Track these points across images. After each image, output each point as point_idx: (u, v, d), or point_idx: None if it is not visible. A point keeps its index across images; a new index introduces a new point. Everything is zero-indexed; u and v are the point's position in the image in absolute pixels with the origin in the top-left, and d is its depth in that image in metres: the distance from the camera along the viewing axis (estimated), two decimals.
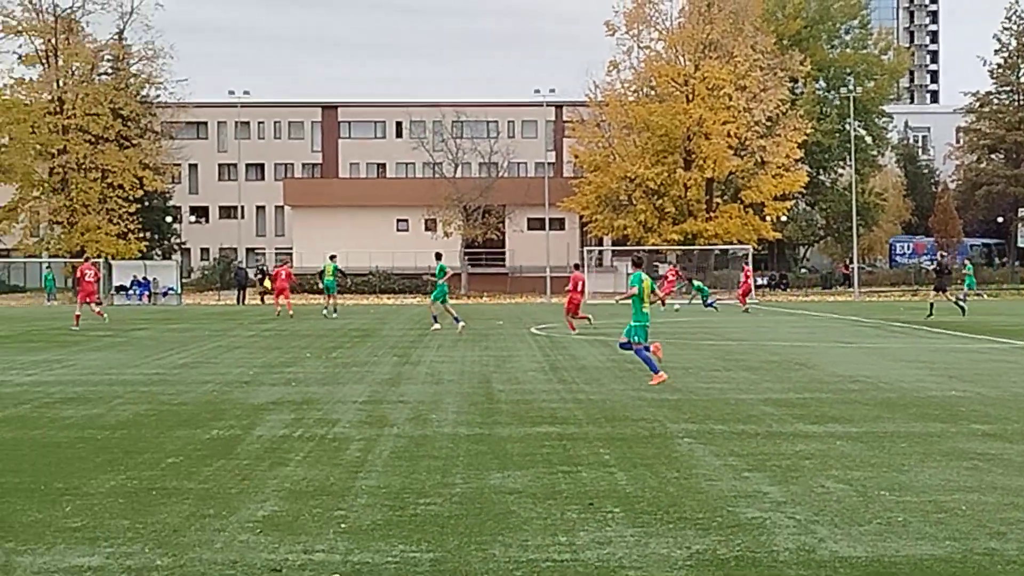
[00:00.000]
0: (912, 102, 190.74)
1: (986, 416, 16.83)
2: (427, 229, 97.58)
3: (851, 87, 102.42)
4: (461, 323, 38.14)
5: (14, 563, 8.88)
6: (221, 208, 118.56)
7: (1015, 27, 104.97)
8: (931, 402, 18.50)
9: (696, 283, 60.39)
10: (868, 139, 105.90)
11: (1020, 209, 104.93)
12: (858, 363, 26.19)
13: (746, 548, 9.31)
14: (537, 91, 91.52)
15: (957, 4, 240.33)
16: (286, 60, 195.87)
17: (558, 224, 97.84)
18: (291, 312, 51.28)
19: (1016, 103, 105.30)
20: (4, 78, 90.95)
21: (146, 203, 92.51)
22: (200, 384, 21.96)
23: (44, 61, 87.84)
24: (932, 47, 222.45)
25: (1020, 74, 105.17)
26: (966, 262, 79.26)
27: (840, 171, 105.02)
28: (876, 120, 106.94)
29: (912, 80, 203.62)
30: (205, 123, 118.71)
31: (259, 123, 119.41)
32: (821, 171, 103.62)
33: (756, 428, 15.78)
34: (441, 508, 10.74)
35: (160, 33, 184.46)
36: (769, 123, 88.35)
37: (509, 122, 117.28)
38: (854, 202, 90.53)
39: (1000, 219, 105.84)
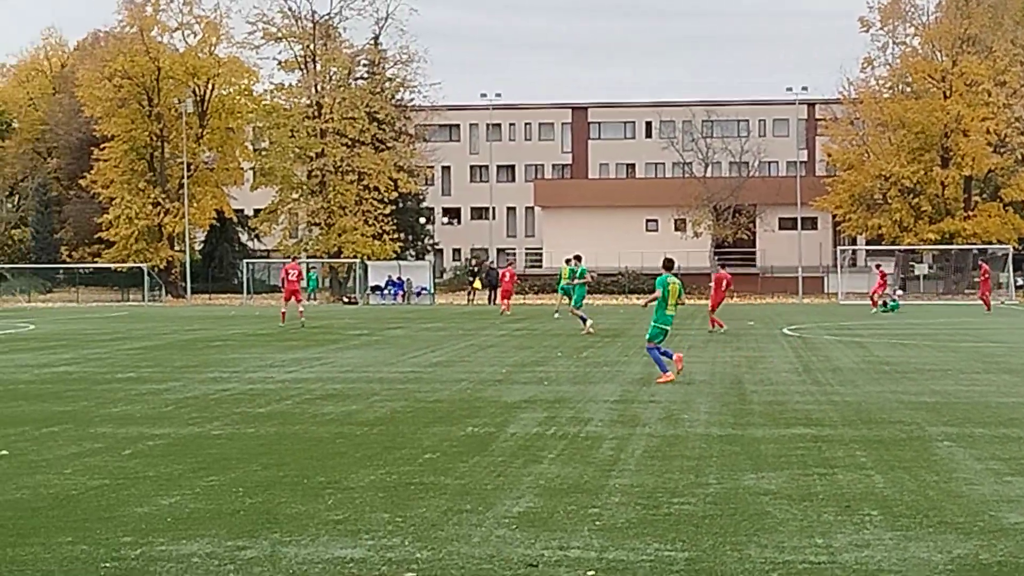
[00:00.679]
0: None
1: None
2: (676, 229, 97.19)
3: None
4: (589, 322, 38.08)
5: (279, 554, 9.15)
6: (473, 209, 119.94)
7: None
8: None
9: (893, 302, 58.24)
10: None
11: None
12: None
13: (1009, 554, 9.05)
14: (789, 89, 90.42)
15: None
16: (537, 62, 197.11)
17: (810, 223, 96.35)
18: (509, 312, 53.05)
19: None
20: (264, 84, 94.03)
21: (400, 205, 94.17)
22: (454, 382, 22.31)
23: (303, 67, 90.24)
24: None
25: None
26: None
27: None
28: None
29: None
30: (457, 125, 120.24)
31: (510, 125, 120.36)
32: None
33: (1019, 432, 15.33)
34: (695, 508, 10.71)
35: (414, 38, 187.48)
36: None
37: (760, 120, 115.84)
38: None
39: None
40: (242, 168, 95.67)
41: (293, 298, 44.09)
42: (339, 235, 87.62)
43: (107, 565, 8.82)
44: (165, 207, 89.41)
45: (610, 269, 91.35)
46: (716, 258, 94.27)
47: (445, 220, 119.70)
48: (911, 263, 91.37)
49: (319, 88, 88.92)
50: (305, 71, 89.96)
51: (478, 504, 10.91)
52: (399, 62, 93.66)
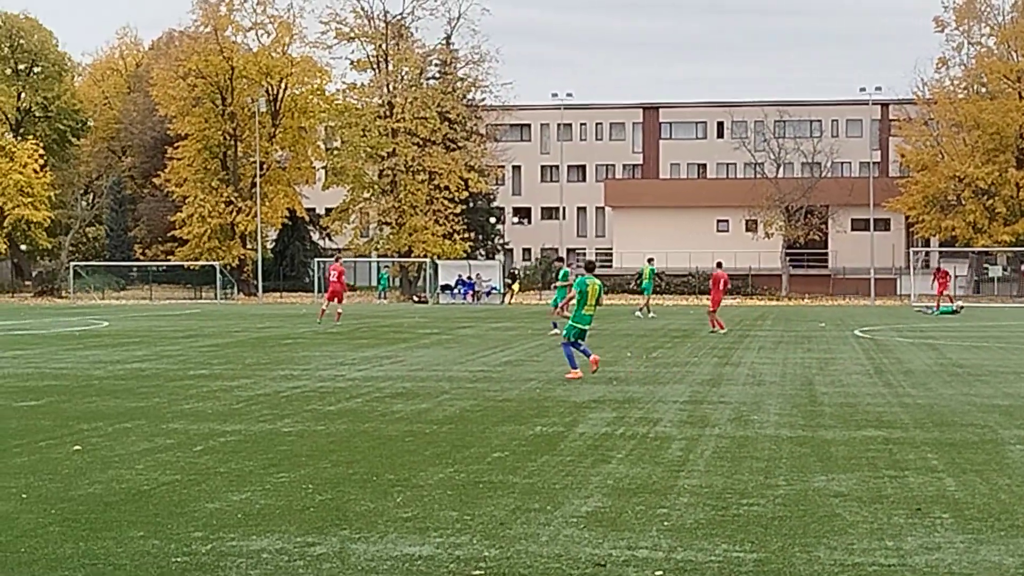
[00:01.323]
0: None
1: None
2: (748, 230, 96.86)
3: None
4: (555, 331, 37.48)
5: (348, 550, 9.19)
6: (543, 209, 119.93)
7: None
8: None
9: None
10: None
11: None
12: None
13: None
14: (862, 89, 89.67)
15: None
16: (608, 62, 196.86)
17: (883, 225, 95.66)
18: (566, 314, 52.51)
19: None
20: (337, 83, 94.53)
21: (471, 204, 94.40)
22: (524, 381, 22.34)
23: (375, 66, 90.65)
24: None
25: None
26: None
27: None
28: None
29: None
30: (528, 125, 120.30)
31: (581, 124, 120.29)
32: None
33: None
34: (764, 509, 10.67)
35: (486, 37, 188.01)
36: None
37: (833, 121, 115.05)
38: None
39: None
40: (314, 167, 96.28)
41: (336, 298, 44.60)
42: (410, 234, 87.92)
43: (178, 560, 8.90)
44: (238, 206, 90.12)
45: (680, 270, 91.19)
46: (788, 259, 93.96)
47: (515, 220, 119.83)
48: (985, 265, 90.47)
49: (391, 88, 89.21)
50: (377, 71, 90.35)
51: (546, 503, 10.92)
52: (471, 62, 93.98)
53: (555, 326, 37.61)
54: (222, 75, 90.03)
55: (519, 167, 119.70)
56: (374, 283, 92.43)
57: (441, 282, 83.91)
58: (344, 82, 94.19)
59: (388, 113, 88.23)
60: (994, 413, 17.39)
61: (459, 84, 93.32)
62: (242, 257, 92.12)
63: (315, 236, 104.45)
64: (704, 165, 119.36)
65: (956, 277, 73.03)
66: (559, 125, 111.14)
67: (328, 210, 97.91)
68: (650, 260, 53.25)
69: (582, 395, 19.81)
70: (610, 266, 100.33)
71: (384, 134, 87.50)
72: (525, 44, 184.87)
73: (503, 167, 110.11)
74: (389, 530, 9.85)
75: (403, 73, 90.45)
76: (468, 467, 12.86)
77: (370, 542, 9.44)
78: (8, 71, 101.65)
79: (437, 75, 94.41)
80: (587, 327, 23.37)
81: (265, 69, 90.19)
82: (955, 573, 8.51)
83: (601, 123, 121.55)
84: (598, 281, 23.60)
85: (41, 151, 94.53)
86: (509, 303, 77.50)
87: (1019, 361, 27.20)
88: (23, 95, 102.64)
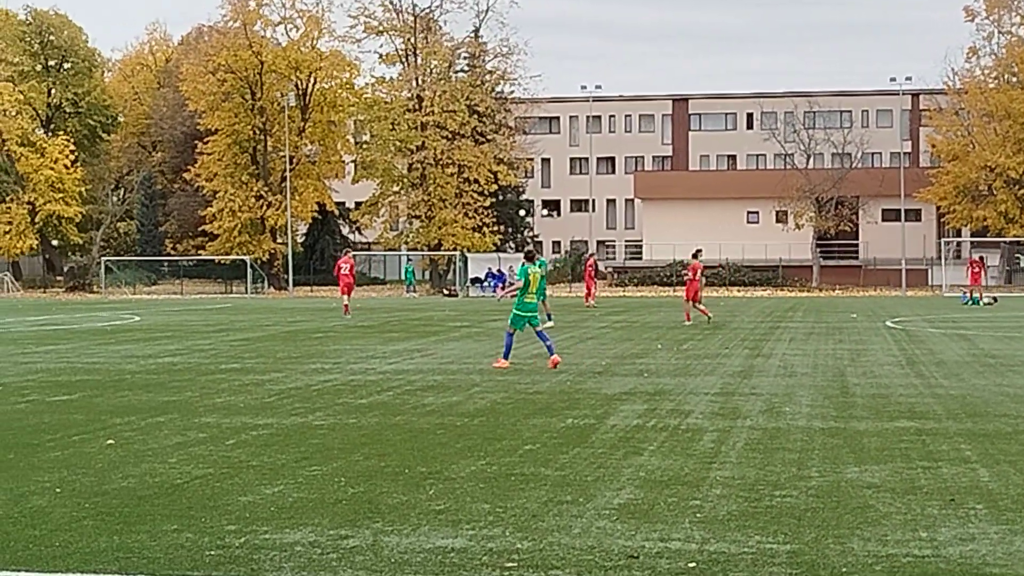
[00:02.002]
0: None
1: None
2: (778, 221, 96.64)
3: None
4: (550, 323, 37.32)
5: (381, 543, 9.21)
6: (572, 201, 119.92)
7: None
8: None
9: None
10: None
11: None
12: None
13: None
14: (893, 79, 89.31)
15: None
16: (637, 53, 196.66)
17: (914, 215, 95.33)
18: (593, 303, 54.56)
19: None
20: (366, 77, 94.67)
21: (500, 197, 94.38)
22: (554, 374, 22.34)
23: (403, 60, 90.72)
24: None
25: None
26: None
27: None
28: None
29: None
30: (557, 118, 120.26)
31: (610, 117, 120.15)
32: None
33: None
34: (797, 500, 10.65)
35: (515, 30, 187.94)
36: None
37: (863, 111, 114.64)
38: None
39: None
40: (343, 161, 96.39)
41: (348, 291, 45.44)
42: (439, 228, 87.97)
43: (211, 553, 8.94)
44: (267, 200, 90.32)
45: (711, 261, 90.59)
46: (818, 250, 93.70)
47: (545, 212, 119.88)
48: (1017, 255, 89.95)
49: (420, 81, 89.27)
50: (406, 64, 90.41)
51: (578, 495, 10.92)
52: (499, 55, 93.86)
53: (549, 318, 37.67)
54: (251, 70, 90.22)
55: (548, 160, 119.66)
56: (402, 277, 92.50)
57: (471, 275, 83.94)
58: (373, 76, 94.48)
59: (417, 107, 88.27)
60: None
61: (488, 77, 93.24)
62: (272, 251, 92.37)
63: (345, 230, 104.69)
64: (734, 156, 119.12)
65: (988, 268, 72.49)
66: (588, 117, 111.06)
67: (358, 204, 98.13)
68: (697, 251, 53.21)
69: (613, 387, 19.81)
70: (640, 258, 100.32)
71: (413, 128, 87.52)
72: (554, 36, 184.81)
73: (532, 160, 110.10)
74: (422, 523, 9.87)
75: (432, 66, 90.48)
76: (500, 459, 12.88)
77: (403, 534, 9.46)
78: (38, 67, 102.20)
79: (466, 68, 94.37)
80: (531, 314, 24.05)
81: (294, 63, 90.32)
82: (989, 564, 8.48)
83: (630, 115, 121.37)
84: (539, 270, 24.50)
85: (72, 147, 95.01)
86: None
87: None
88: (53, 91, 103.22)
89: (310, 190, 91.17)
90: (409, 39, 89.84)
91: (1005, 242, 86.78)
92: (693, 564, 8.52)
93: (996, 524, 9.69)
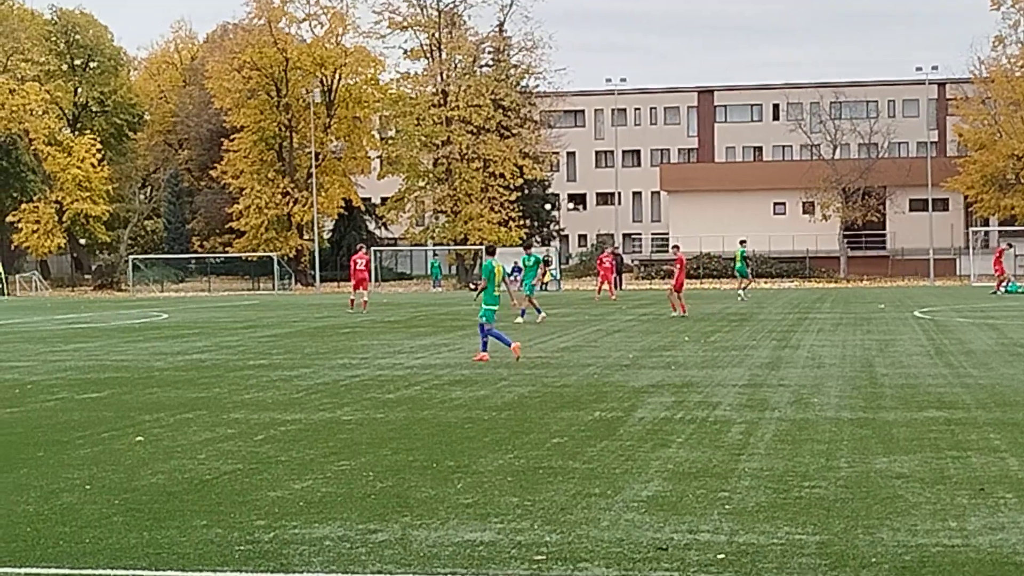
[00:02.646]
0: None
1: None
2: (805, 212, 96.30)
3: None
4: (541, 317, 37.31)
5: (410, 537, 9.22)
6: (598, 195, 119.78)
7: None
8: None
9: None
10: None
11: None
12: None
13: None
14: (919, 69, 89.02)
15: None
16: (662, 45, 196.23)
17: (941, 205, 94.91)
18: (613, 296, 55.26)
19: None
20: (391, 72, 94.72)
21: (526, 191, 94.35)
22: (582, 367, 22.33)
23: (428, 55, 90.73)
24: None
25: None
26: None
27: None
28: None
29: None
30: (582, 111, 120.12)
31: (635, 109, 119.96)
32: None
33: None
34: (826, 491, 10.62)
35: (539, 23, 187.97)
36: None
37: (889, 101, 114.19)
38: None
39: None
40: (369, 157, 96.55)
41: (361, 287, 45.64)
42: (465, 222, 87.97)
43: (241, 548, 8.96)
44: (294, 196, 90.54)
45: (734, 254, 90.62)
46: (845, 241, 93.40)
47: (570, 206, 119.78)
48: None
49: (444, 76, 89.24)
50: (431, 59, 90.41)
51: (607, 488, 10.92)
52: (524, 49, 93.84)
53: (523, 314, 37.62)
54: (276, 67, 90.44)
55: (573, 153, 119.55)
56: (428, 272, 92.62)
57: None
58: (398, 71, 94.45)
59: (442, 101, 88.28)
60: None
61: (512, 71, 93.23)
62: (299, 247, 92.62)
63: (371, 225, 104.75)
64: (760, 148, 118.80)
65: (1016, 256, 72.26)
66: (613, 110, 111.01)
67: (383, 199, 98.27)
68: (742, 242, 53.91)
69: (641, 380, 19.79)
70: (666, 251, 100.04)
71: (438, 123, 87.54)
72: (578, 30, 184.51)
73: (557, 153, 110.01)
74: (450, 516, 9.88)
75: (456, 61, 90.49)
76: (528, 453, 12.88)
77: (431, 528, 9.47)
78: (64, 67, 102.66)
79: (490, 63, 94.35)
80: (497, 307, 24.43)
81: (319, 60, 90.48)
82: (1019, 553, 8.45)
83: (655, 107, 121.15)
84: (501, 264, 25.16)
85: (98, 146, 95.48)
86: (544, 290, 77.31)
87: None
88: (80, 90, 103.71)
89: (336, 186, 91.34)
90: (434, 34, 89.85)
91: None
92: (722, 556, 8.51)
93: None
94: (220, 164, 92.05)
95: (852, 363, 22.29)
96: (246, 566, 8.48)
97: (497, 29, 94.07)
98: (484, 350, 24.20)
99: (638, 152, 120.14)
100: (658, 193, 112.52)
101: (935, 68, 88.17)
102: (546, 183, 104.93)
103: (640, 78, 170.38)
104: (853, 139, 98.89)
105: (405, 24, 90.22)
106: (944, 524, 9.31)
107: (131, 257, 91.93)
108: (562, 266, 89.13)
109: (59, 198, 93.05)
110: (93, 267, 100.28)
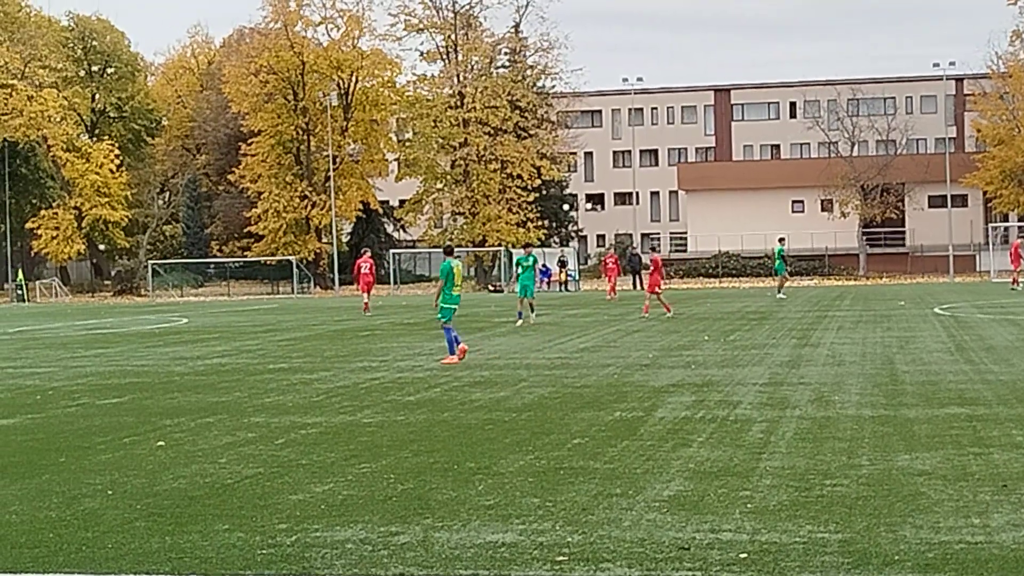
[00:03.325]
0: None
1: None
2: (823, 210, 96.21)
3: None
4: (521, 321, 37.06)
5: (432, 539, 9.22)
6: (616, 195, 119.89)
7: None
8: None
9: None
10: None
11: None
12: None
13: None
14: (936, 64, 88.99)
15: None
16: (678, 44, 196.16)
17: (960, 201, 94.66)
18: (615, 297, 56.27)
19: None
20: (407, 75, 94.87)
21: (543, 192, 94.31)
22: (601, 367, 22.32)
23: (444, 57, 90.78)
24: None
25: None
26: None
27: None
28: None
29: None
30: (599, 111, 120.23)
31: (652, 109, 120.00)
32: None
33: None
34: (848, 489, 10.59)
35: (555, 24, 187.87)
36: None
37: (907, 97, 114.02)
38: None
39: None
40: (386, 159, 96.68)
41: (369, 289, 47.49)
42: (483, 224, 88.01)
43: (263, 552, 8.97)
44: (312, 200, 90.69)
45: (756, 252, 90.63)
46: (864, 238, 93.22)
47: (588, 206, 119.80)
48: None
49: (461, 78, 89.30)
50: (447, 61, 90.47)
51: (628, 488, 10.90)
52: (540, 49, 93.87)
53: (520, 316, 37.44)
54: (293, 70, 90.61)
55: (591, 153, 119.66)
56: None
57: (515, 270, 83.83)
58: (414, 73, 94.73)
59: (459, 103, 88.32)
60: None
61: (529, 72, 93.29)
62: (318, 251, 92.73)
63: (389, 228, 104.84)
64: (777, 146, 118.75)
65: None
66: (630, 110, 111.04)
67: (402, 202, 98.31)
68: (780, 240, 53.82)
69: (661, 380, 19.77)
70: (685, 250, 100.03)
71: (455, 124, 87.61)
72: (594, 29, 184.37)
73: (575, 154, 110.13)
74: (472, 518, 9.88)
75: (473, 63, 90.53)
76: (548, 454, 12.87)
77: (453, 530, 9.47)
78: (82, 73, 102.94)
79: (507, 64, 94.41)
80: (457, 306, 24.79)
81: (336, 63, 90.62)
82: None
83: (672, 107, 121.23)
84: (459, 263, 25.37)
85: (116, 151, 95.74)
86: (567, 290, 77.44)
87: None
88: (97, 96, 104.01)
89: (354, 189, 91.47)
90: (450, 36, 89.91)
91: None
92: (744, 555, 8.49)
93: None
94: (238, 168, 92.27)
95: (872, 360, 22.24)
96: (268, 570, 8.49)
97: (513, 30, 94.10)
98: (452, 353, 24.28)
99: (655, 151, 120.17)
100: (676, 192, 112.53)
101: (952, 64, 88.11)
102: (564, 184, 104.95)
103: (657, 77, 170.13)
104: (871, 136, 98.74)
105: (421, 26, 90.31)
106: (967, 521, 9.28)
107: (150, 262, 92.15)
108: (580, 266, 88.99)
109: (78, 204, 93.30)
110: (112, 272, 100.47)
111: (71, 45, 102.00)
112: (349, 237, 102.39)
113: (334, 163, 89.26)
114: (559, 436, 14.06)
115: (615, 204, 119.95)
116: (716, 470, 11.68)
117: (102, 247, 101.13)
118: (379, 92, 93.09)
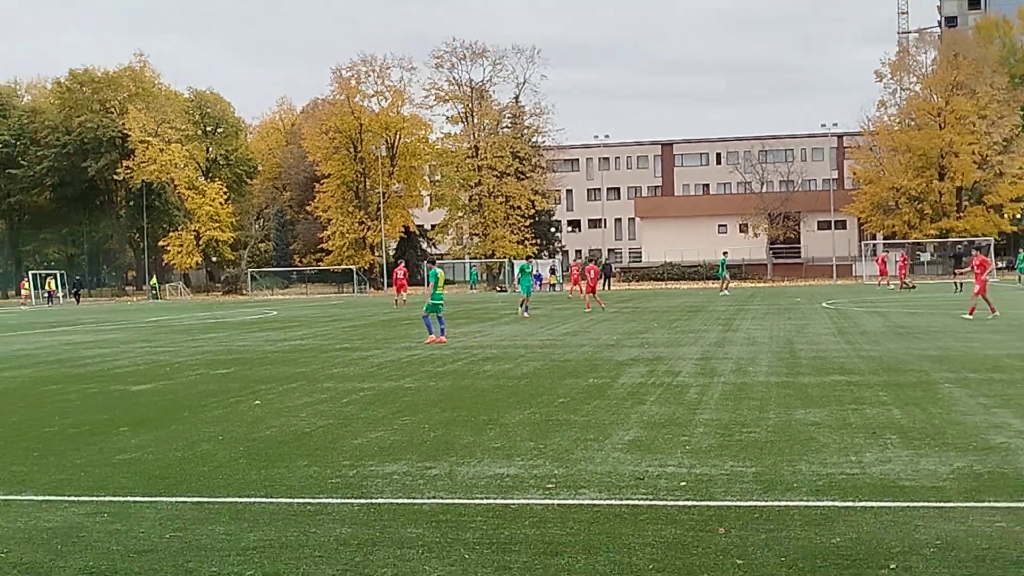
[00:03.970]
0: None
1: None
2: (740, 231, 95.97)
3: None
4: (525, 313, 36.36)
5: (455, 472, 9.26)
6: (590, 220, 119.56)
7: None
8: None
9: None
10: None
11: None
12: None
13: (995, 466, 8.85)
14: (823, 125, 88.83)
15: None
16: (635, 110, 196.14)
17: (841, 224, 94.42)
18: (573, 296, 55.96)
19: None
20: (436, 133, 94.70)
21: (537, 219, 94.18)
22: (579, 347, 22.30)
23: (464, 120, 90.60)
24: None
25: None
26: None
27: None
28: None
29: None
30: (577, 159, 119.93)
31: (615, 157, 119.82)
32: None
33: (1002, 376, 14.91)
34: (759, 435, 10.60)
35: (545, 95, 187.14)
36: (1005, 143, 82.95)
37: (802, 149, 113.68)
38: None
39: None
40: (422, 195, 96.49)
41: (402, 290, 49.03)
42: (492, 242, 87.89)
43: (333, 481, 8.99)
44: (367, 224, 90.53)
45: (692, 262, 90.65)
46: (771, 252, 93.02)
47: (569, 229, 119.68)
48: (917, 252, 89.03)
49: (476, 135, 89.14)
50: (466, 123, 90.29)
51: (599, 435, 10.91)
52: (534, 114, 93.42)
53: (525, 309, 37.14)
54: (353, 130, 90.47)
55: (571, 190, 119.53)
56: (467, 278, 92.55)
57: (516, 276, 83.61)
58: (442, 132, 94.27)
59: (475, 154, 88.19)
60: (927, 361, 17.16)
61: (526, 131, 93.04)
62: (372, 262, 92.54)
63: (424, 245, 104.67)
64: (707, 185, 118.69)
65: (896, 263, 71.65)
66: (599, 159, 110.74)
67: (432, 225, 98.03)
68: (724, 253, 54.35)
69: (622, 355, 19.75)
70: (640, 261, 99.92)
71: (472, 169, 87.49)
72: (573, 99, 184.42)
73: (559, 190, 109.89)
74: (484, 456, 9.89)
75: (485, 124, 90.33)
76: (541, 410, 12.87)
77: (471, 465, 9.49)
78: (199, 132, 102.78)
79: (509, 124, 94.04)
80: (440, 303, 24.58)
81: (384, 125, 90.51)
82: (902, 479, 8.43)
83: (631, 156, 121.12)
84: (442, 271, 25.27)
85: (224, 189, 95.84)
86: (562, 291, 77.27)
87: (945, 323, 26.79)
88: (210, 149, 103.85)
89: (398, 216, 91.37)
90: (467, 105, 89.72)
91: (908, 243, 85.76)
92: (684, 483, 8.51)
93: (907, 449, 9.62)
94: (313, 202, 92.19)
95: (777, 341, 22.21)
96: (336, 494, 8.50)
97: (514, 100, 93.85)
98: (442, 334, 24.35)
99: (618, 188, 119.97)
100: (633, 219, 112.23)
101: (835, 124, 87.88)
102: (551, 212, 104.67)
103: (619, 134, 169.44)
104: (776, 177, 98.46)
105: (447, 98, 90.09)
106: (846, 458, 9.29)
107: (249, 270, 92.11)
108: (563, 273, 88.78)
109: (196, 228, 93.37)
110: (222, 278, 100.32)
111: (191, 111, 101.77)
112: (395, 251, 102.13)
113: (383, 197, 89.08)
114: (548, 397, 14.06)
115: (589, 227, 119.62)
116: (663, 421, 11.68)
117: (214, 259, 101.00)
118: (416, 146, 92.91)
